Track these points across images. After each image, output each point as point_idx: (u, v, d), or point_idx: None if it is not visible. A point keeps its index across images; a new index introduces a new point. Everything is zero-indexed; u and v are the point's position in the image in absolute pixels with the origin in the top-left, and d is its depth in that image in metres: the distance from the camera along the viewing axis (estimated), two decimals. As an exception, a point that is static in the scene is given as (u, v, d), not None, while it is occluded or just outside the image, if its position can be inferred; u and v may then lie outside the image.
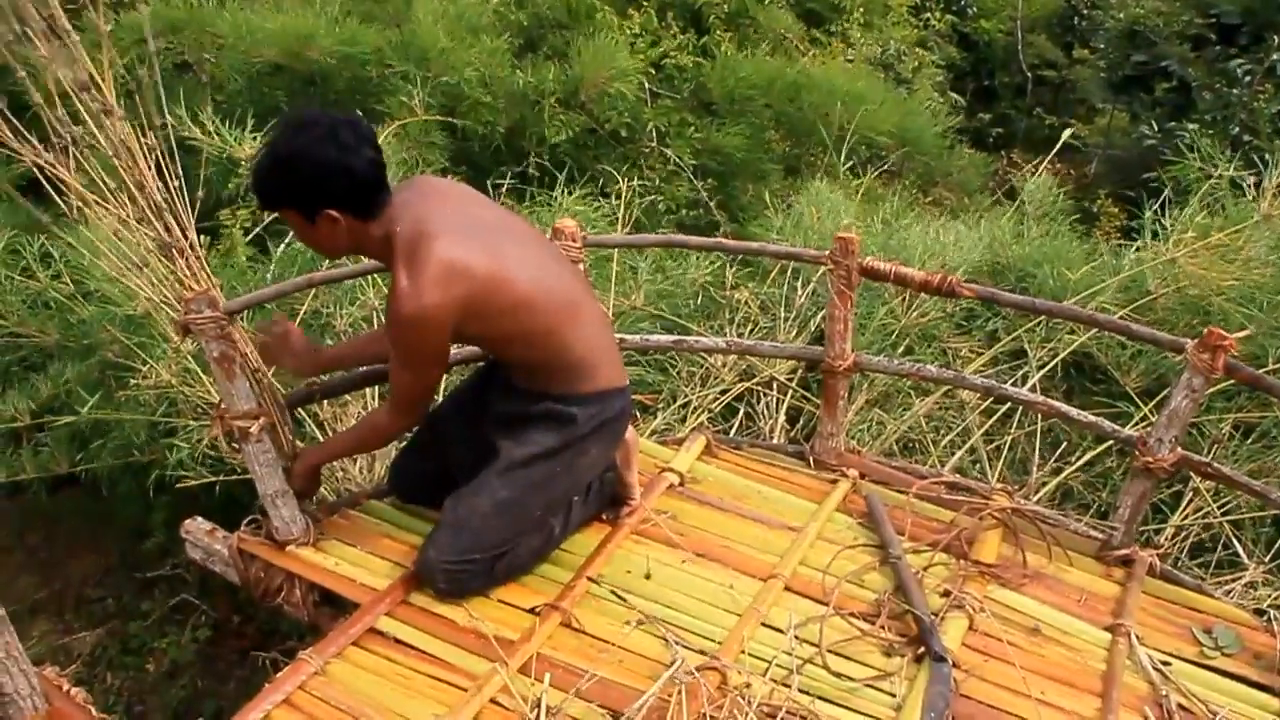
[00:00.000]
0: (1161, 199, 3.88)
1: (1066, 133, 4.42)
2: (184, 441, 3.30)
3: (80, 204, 2.23)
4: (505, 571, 2.51)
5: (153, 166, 2.25)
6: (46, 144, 2.21)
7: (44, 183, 2.28)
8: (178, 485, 3.30)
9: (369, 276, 3.44)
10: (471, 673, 2.26)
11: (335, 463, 3.15)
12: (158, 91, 2.28)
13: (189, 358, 3.27)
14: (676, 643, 2.34)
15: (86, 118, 2.18)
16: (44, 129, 2.23)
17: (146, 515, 4.14)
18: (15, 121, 2.23)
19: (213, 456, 3.27)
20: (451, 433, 2.64)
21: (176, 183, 2.28)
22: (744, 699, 2.18)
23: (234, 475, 3.22)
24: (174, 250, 2.34)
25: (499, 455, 2.46)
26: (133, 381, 3.32)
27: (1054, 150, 4.41)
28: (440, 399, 2.85)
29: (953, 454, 3.32)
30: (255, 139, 3.83)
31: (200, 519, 2.72)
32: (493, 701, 2.18)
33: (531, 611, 2.43)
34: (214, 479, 3.25)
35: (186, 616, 4.25)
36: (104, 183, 2.26)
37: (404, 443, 2.82)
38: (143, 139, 2.23)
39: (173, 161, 2.30)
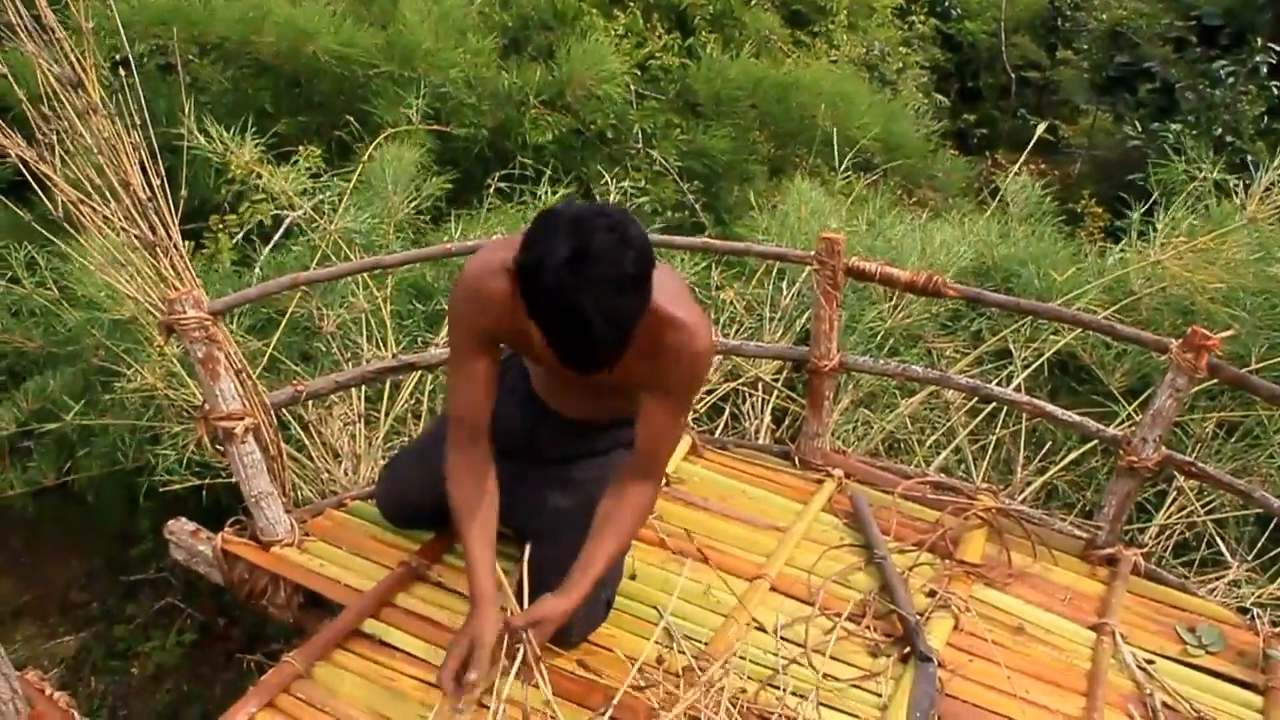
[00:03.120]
0: (1150, 203, 3.89)
1: (1041, 127, 4.42)
2: (170, 447, 3.29)
3: (66, 202, 2.22)
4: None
5: (137, 165, 2.24)
6: (31, 141, 2.20)
7: (29, 184, 2.27)
8: (163, 490, 3.29)
9: (357, 277, 3.44)
10: (457, 674, 2.25)
11: (319, 464, 3.14)
12: (138, 91, 2.27)
13: (173, 361, 3.26)
14: (662, 643, 2.34)
15: (72, 115, 2.17)
16: (28, 127, 2.23)
17: (132, 520, 4.12)
18: None
19: (198, 460, 3.26)
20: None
21: (158, 181, 2.27)
22: (730, 699, 2.18)
23: (220, 479, 3.21)
24: (158, 249, 2.33)
25: (579, 486, 2.39)
26: (118, 386, 3.31)
27: (1029, 146, 4.41)
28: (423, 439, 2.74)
29: (938, 454, 3.33)
30: (240, 140, 3.81)
31: (184, 520, 2.71)
32: (478, 703, 2.18)
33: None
34: (200, 482, 3.24)
35: (172, 620, 4.23)
36: (89, 181, 2.25)
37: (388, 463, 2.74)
38: (127, 137, 2.22)
39: (155, 161, 2.29)
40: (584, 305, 1.70)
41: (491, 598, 2.12)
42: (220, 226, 3.97)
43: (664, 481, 2.92)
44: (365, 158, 3.98)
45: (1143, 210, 3.86)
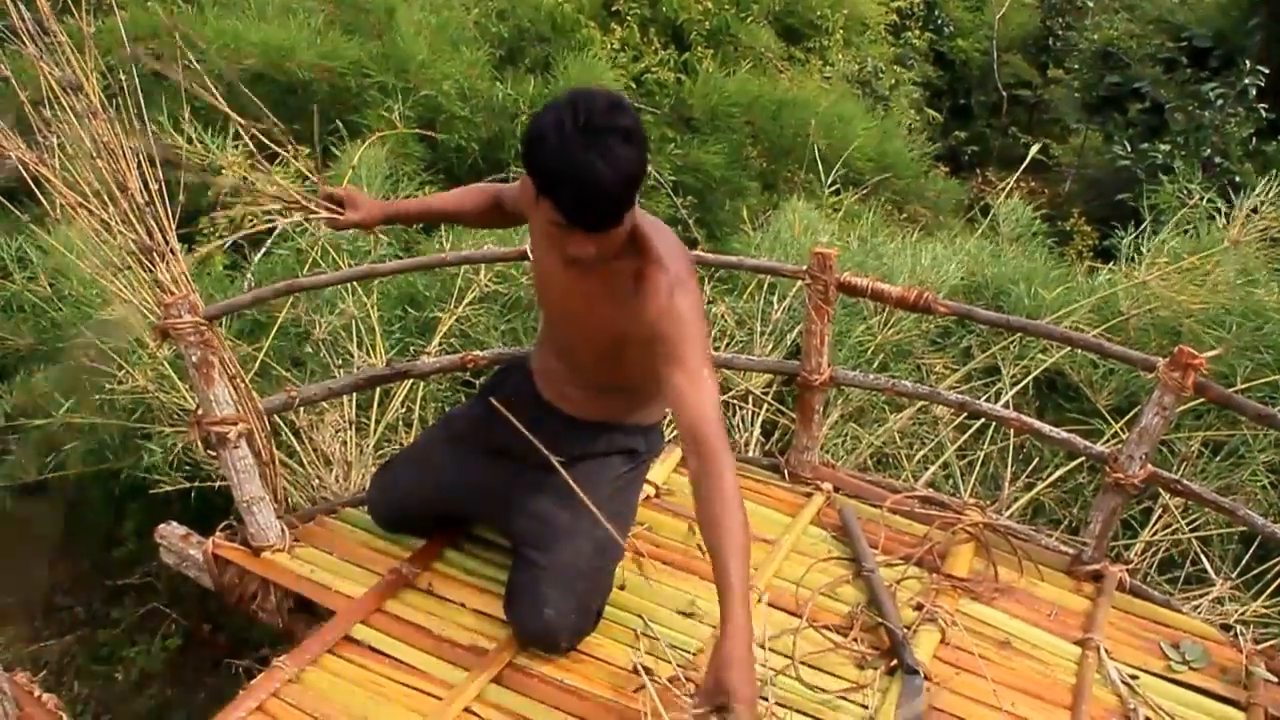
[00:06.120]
0: (1142, 228, 3.91)
1: (1034, 149, 4.45)
2: (158, 446, 3.28)
3: (64, 204, 2.23)
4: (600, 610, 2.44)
5: (135, 169, 2.25)
6: (30, 142, 2.20)
7: (27, 183, 2.27)
8: (150, 492, 3.28)
9: (348, 285, 3.44)
10: (446, 681, 2.26)
11: (310, 470, 3.14)
12: (137, 96, 2.27)
13: (164, 363, 3.26)
14: (650, 653, 2.35)
15: (72, 118, 2.18)
16: (27, 128, 2.23)
17: (118, 523, 4.11)
18: (-2, 121, 2.23)
19: (187, 462, 3.26)
20: (452, 477, 2.52)
21: (157, 186, 2.28)
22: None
23: (208, 482, 3.21)
24: (154, 254, 2.33)
25: (575, 493, 2.38)
26: (108, 386, 3.31)
27: (1023, 167, 4.44)
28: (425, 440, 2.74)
29: (926, 469, 3.34)
30: (235, 147, 3.82)
31: (174, 523, 2.71)
32: (466, 710, 2.18)
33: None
34: (188, 485, 3.24)
35: (157, 625, 4.21)
36: (87, 184, 2.25)
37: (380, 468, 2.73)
38: (125, 141, 2.23)
39: (153, 166, 2.29)
40: (591, 158, 1.89)
41: None
42: (211, 231, 3.96)
43: (661, 491, 2.93)
44: (353, 162, 3.99)
45: (1133, 232, 3.89)
